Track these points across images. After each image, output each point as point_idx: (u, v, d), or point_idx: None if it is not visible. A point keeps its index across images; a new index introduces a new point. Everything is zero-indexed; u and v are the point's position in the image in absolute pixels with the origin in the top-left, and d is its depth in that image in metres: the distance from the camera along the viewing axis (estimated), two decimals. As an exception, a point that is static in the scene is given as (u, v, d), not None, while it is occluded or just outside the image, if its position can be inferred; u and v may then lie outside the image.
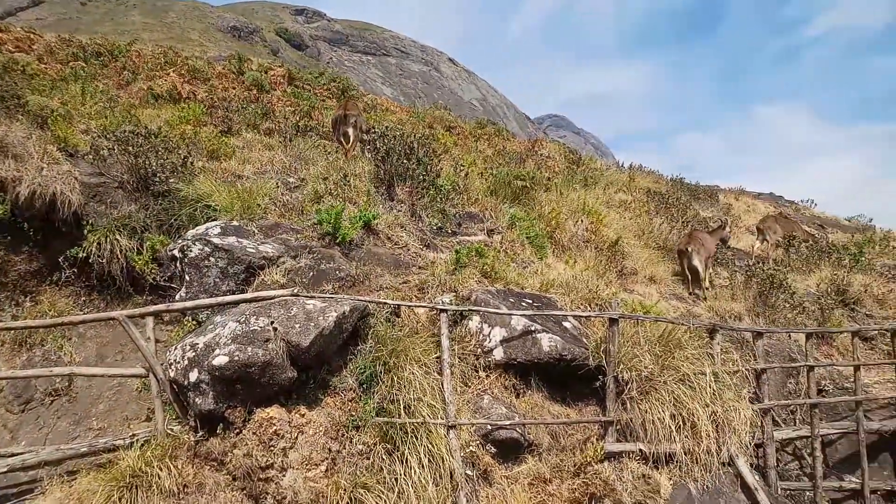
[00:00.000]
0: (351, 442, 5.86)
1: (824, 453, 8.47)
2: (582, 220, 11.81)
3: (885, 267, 14.42)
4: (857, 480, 8.21)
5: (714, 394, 6.90)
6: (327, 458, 5.63)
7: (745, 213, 19.13)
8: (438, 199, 10.02)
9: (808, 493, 7.93)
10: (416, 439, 5.79)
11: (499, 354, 6.97)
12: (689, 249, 11.02)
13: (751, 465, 7.28)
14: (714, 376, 7.02)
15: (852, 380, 8.96)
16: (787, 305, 10.63)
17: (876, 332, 10.42)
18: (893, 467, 8.62)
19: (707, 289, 11.10)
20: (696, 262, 10.99)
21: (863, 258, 13.95)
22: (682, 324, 7.45)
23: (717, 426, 6.84)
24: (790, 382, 9.44)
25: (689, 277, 11.14)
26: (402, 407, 5.96)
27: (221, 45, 50.65)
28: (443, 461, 5.76)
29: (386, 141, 10.19)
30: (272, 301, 6.18)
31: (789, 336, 9.78)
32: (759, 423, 7.54)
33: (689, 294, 11.07)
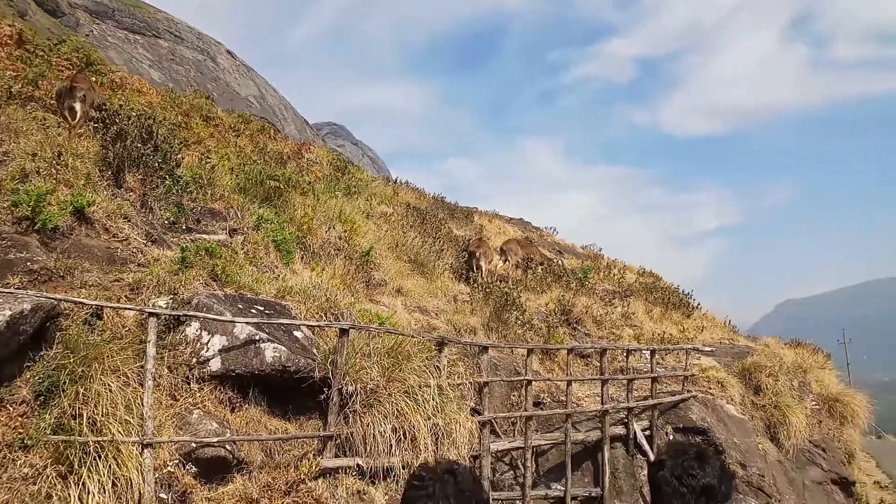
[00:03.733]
0: (15, 464, 4.93)
1: (536, 463, 9.09)
2: (336, 228, 11.60)
3: (605, 291, 16.17)
4: (562, 488, 8.91)
5: (437, 406, 7.00)
6: (-22, 486, 4.66)
7: (496, 234, 20.34)
8: (175, 191, 9.15)
9: (518, 503, 8.40)
10: (100, 460, 5.03)
11: (216, 365, 6.41)
12: (478, 253, 13.77)
13: (468, 476, 7.49)
14: (438, 389, 7.14)
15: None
16: (518, 322, 11.36)
17: (590, 350, 11.53)
18: (593, 474, 9.51)
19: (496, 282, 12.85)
20: (483, 262, 13.77)
21: (587, 282, 15.50)
22: (412, 336, 7.50)
23: (437, 439, 6.94)
24: (514, 395, 10.04)
25: (477, 273, 13.54)
26: (86, 423, 5.16)
27: (-54, -9, 43.01)
28: (131, 484, 5.08)
29: (118, 120, 9.09)
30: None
31: (512, 351, 10.41)
32: (478, 435, 7.82)
33: (472, 283, 12.84)
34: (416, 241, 13.54)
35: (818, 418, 14.86)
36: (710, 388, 12.07)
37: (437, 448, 6.91)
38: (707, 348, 13.62)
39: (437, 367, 7.60)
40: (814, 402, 14.95)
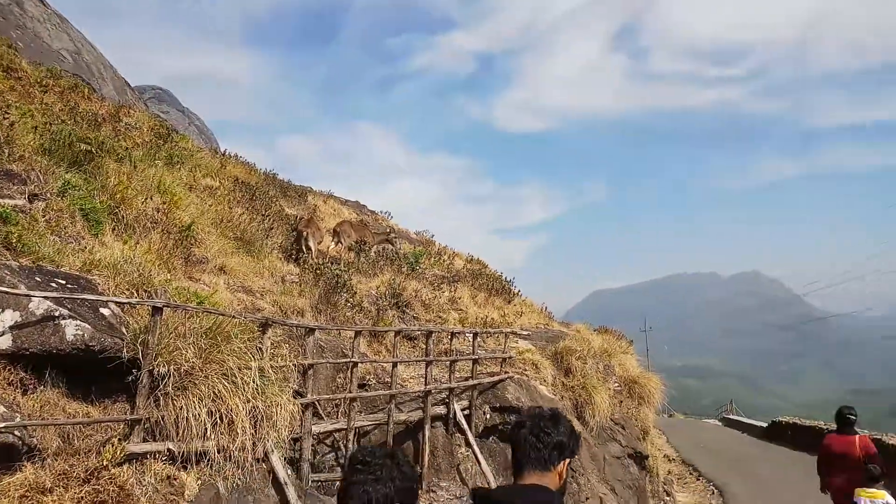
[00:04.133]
0: None
1: (359, 443, 9.14)
2: (154, 199, 10.81)
3: (435, 277, 16.57)
4: (383, 467, 9.02)
5: (257, 389, 6.79)
6: None
7: (330, 216, 20.10)
8: (-39, 148, 8.04)
9: (338, 483, 8.40)
10: None
11: (6, 343, 5.75)
12: (307, 233, 13.84)
13: (288, 459, 7.39)
14: (260, 371, 6.93)
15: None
16: (348, 304, 11.32)
17: (417, 332, 11.77)
18: (414, 454, 9.73)
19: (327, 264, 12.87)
20: (312, 242, 13.91)
21: (419, 267, 15.80)
22: (234, 316, 7.21)
23: (256, 422, 6.74)
24: (340, 377, 10.00)
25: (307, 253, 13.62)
26: None
27: None
28: None
29: None
30: None
31: (339, 333, 10.37)
32: (300, 418, 7.70)
33: (302, 264, 12.82)
34: (243, 218, 13.02)
35: (619, 399, 16.35)
36: (526, 370, 12.81)
37: (255, 431, 6.72)
38: (524, 332, 14.44)
39: (260, 348, 7.37)
40: (616, 384, 16.42)
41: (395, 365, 9.61)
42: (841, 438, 8.69)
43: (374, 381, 10.47)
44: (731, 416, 42.45)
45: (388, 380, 9.99)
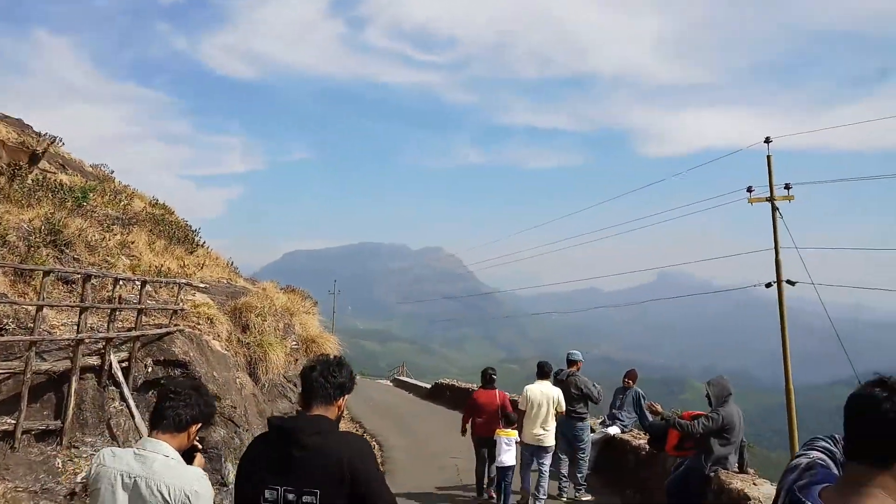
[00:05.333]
0: None
1: (-16, 394, 7.95)
2: None
3: (107, 217, 15.00)
4: (13, 421, 8.00)
5: None
6: None
7: (-21, 130, 16.86)
8: None
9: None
10: None
11: None
12: None
13: None
14: None
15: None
16: (-12, 236, 9.70)
17: (74, 275, 10.56)
18: (55, 406, 8.78)
19: None
20: None
21: (87, 203, 14.14)
22: None
23: None
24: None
25: None
26: None
27: None
28: None
29: None
30: None
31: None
32: None
33: None
34: None
35: (296, 357, 16.65)
36: (200, 324, 12.33)
37: None
38: (202, 285, 13.88)
39: None
40: (294, 343, 16.68)
41: (40, 308, 8.51)
42: (485, 392, 10.83)
43: (13, 326, 9.16)
44: (401, 378, 46.04)
45: (31, 325, 8.83)
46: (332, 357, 3.40)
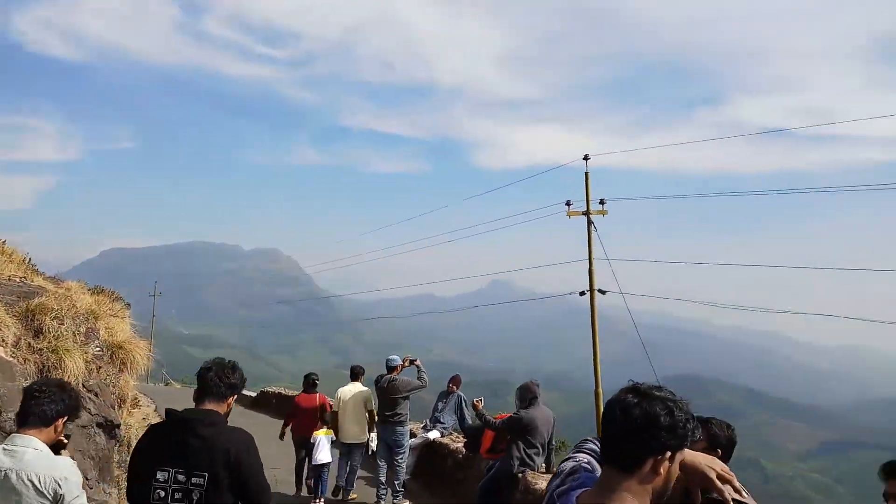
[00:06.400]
0: None
1: None
2: None
3: None
4: None
5: None
6: None
7: None
8: None
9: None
10: None
11: None
12: None
13: None
14: None
15: None
16: None
17: None
18: None
19: None
20: None
21: None
22: None
23: None
24: None
25: None
26: None
27: None
28: None
29: None
30: None
31: None
32: None
33: None
34: None
35: (99, 364, 15.20)
36: (-21, 328, 10.87)
37: None
38: (-15, 284, 12.25)
39: None
40: (98, 349, 15.22)
41: None
42: (306, 396, 11.31)
43: None
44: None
45: None
46: (227, 361, 3.83)
